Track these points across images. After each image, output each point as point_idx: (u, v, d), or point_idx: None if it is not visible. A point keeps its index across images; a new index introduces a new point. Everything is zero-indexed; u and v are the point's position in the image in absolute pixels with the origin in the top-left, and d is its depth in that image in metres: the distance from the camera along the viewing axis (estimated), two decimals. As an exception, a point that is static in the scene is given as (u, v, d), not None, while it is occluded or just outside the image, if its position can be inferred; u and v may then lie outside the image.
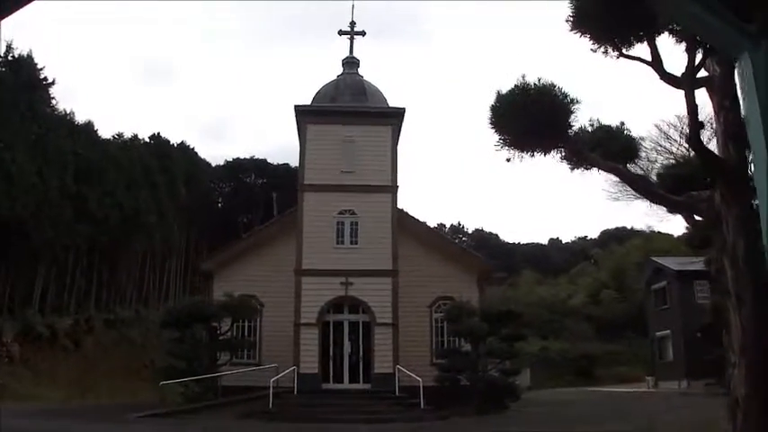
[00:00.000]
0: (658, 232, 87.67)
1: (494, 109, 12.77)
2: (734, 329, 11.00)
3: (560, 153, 13.32)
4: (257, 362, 32.71)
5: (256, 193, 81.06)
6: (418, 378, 28.20)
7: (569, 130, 12.88)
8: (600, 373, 69.09)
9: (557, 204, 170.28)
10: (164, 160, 69.71)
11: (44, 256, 51.41)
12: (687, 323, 46.90)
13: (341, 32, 37.32)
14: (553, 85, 12.52)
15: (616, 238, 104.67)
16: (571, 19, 11.97)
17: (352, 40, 37.36)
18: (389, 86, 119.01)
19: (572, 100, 12.62)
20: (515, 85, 12.57)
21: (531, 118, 12.24)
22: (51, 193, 48.77)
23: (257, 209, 77.43)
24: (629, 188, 26.94)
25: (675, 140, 36.06)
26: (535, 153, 12.99)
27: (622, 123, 15.30)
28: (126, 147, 66.10)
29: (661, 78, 11.83)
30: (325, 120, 33.91)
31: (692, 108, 11.63)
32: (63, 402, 36.69)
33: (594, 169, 14.02)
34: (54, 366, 44.73)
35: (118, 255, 61.89)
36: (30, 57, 53.81)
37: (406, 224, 34.51)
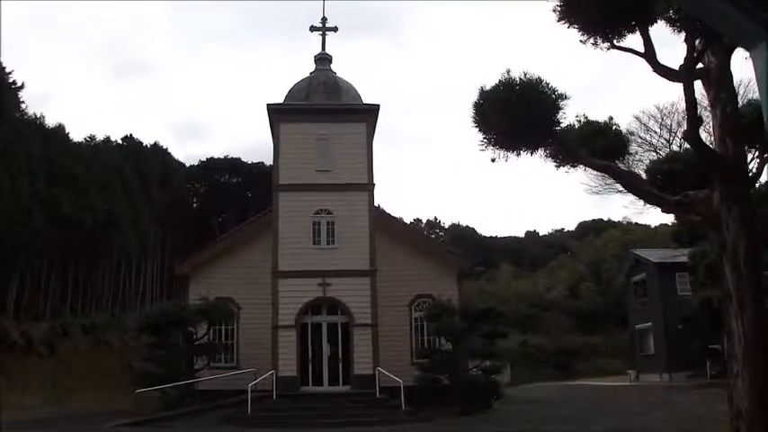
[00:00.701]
0: (636, 224, 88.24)
1: (477, 106, 12.12)
2: (736, 337, 10.42)
3: (546, 151, 12.70)
4: (235, 365, 32.24)
5: (231, 192, 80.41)
6: (398, 379, 27.76)
7: (557, 128, 12.27)
8: (580, 367, 69.15)
9: (533, 197, 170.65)
10: (137, 162, 68.98)
11: (18, 261, 50.62)
12: (668, 316, 46.83)
13: (313, 29, 36.69)
14: (540, 80, 11.87)
15: (593, 229, 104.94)
16: (559, 8, 11.38)
17: (324, 36, 36.76)
18: (363, 83, 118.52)
19: (560, 95, 11.97)
20: (500, 81, 11.92)
21: (516, 115, 11.62)
22: (23, 198, 47.95)
23: (232, 208, 76.86)
24: (613, 184, 26.53)
25: (656, 132, 35.95)
26: (521, 152, 12.37)
27: (611, 118, 14.79)
28: (98, 149, 65.38)
29: (654, 70, 11.28)
30: (299, 118, 33.37)
31: (691, 101, 11.07)
32: (37, 410, 36.01)
33: (581, 166, 13.49)
34: (29, 373, 43.98)
35: (93, 258, 61.09)
36: (-3, 60, 52.94)
37: (383, 222, 34.16)
